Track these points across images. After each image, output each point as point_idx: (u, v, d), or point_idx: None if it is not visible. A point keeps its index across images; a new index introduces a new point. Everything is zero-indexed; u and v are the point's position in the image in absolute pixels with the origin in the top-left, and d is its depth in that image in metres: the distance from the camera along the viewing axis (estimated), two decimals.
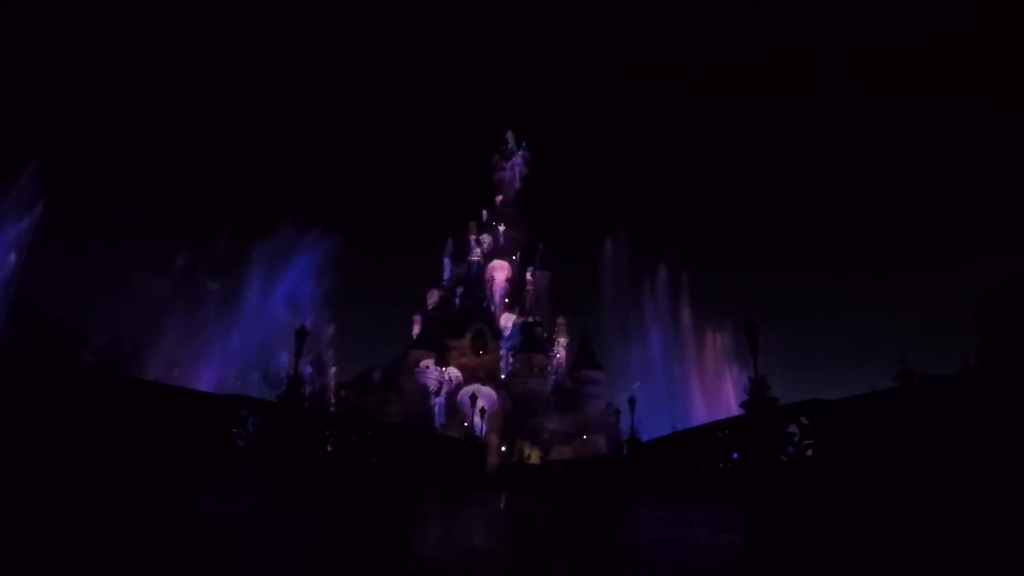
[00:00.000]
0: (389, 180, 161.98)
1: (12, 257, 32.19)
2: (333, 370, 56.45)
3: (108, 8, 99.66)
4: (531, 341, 56.91)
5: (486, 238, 66.41)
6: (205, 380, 38.68)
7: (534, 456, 47.15)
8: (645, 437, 27.80)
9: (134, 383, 15.56)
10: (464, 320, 59.97)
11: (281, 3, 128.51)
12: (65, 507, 5.55)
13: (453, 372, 56.28)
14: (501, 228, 66.25)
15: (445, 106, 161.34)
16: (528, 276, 64.57)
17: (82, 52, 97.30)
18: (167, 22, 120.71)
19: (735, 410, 18.13)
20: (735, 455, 14.51)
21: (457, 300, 62.99)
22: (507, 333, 59.28)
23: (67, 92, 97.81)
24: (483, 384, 52.74)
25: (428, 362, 56.90)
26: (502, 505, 11.16)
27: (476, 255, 65.87)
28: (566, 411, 51.75)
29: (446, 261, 67.76)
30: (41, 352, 29.91)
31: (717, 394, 41.91)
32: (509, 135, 73.39)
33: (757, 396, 14.04)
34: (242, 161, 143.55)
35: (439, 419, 53.32)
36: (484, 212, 69.27)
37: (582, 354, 58.45)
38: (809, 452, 11.77)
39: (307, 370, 46.63)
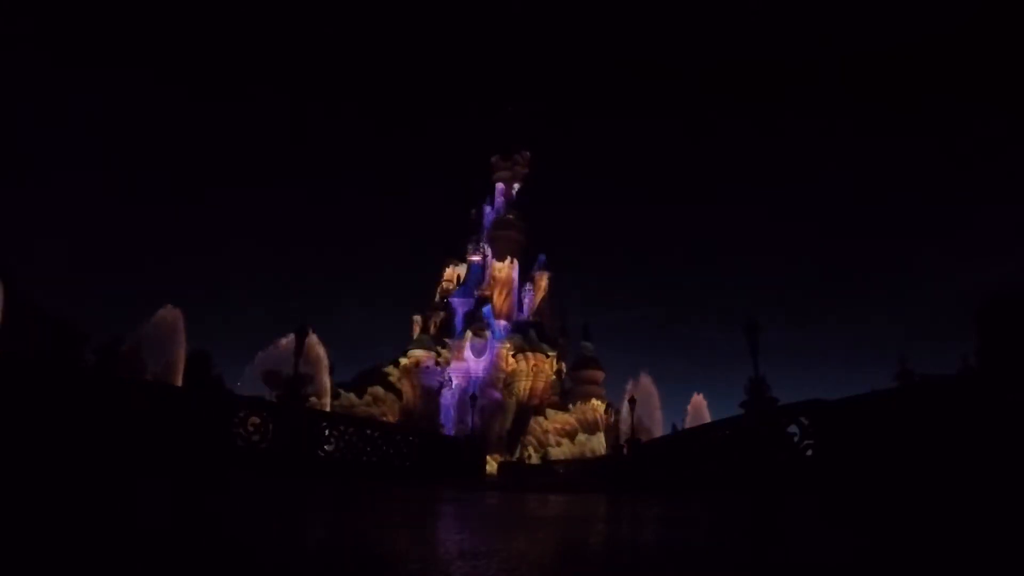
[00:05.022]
0: (389, 180, 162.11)
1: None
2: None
3: None
4: (531, 341, 56.95)
5: (486, 238, 66.43)
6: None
7: (534, 456, 47.15)
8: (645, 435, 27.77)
9: (133, 383, 15.55)
10: (464, 320, 60.03)
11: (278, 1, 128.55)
12: (63, 507, 5.55)
13: (453, 372, 56.30)
14: (501, 229, 66.22)
15: (446, 106, 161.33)
16: (528, 276, 64.61)
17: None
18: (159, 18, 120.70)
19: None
20: (735, 455, 14.50)
21: (458, 300, 63.04)
22: (507, 333, 59.30)
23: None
24: (483, 384, 52.76)
25: (428, 362, 56.93)
26: (502, 505, 11.15)
27: (476, 255, 65.92)
28: (566, 411, 51.76)
29: (446, 261, 67.80)
30: (41, 352, 29.90)
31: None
32: (508, 122, 73.61)
33: (757, 396, 14.05)
34: (242, 158, 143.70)
35: (439, 419, 53.32)
36: (485, 212, 69.32)
37: (582, 354, 58.48)
38: (809, 452, 11.76)
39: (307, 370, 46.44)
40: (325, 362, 41.56)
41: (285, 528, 5.46)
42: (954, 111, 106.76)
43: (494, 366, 56.06)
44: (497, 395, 53.10)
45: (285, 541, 4.35)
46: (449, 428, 49.53)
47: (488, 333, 57.95)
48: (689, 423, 37.92)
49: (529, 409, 52.35)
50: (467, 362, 56.51)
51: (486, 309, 60.31)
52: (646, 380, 40.86)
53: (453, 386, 54.94)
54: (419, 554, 4.14)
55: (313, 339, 41.00)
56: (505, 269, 63.93)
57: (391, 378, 56.50)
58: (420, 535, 5.70)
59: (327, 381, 42.59)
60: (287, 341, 34.72)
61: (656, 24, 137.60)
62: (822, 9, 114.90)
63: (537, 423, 50.36)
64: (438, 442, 26.04)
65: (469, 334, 57.88)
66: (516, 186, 70.50)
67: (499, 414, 51.95)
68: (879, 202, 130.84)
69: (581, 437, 48.39)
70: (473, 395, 37.37)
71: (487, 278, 63.83)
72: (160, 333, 32.78)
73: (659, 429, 39.19)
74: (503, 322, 60.54)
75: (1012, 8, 77.13)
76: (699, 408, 39.97)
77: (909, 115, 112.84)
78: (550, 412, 51.41)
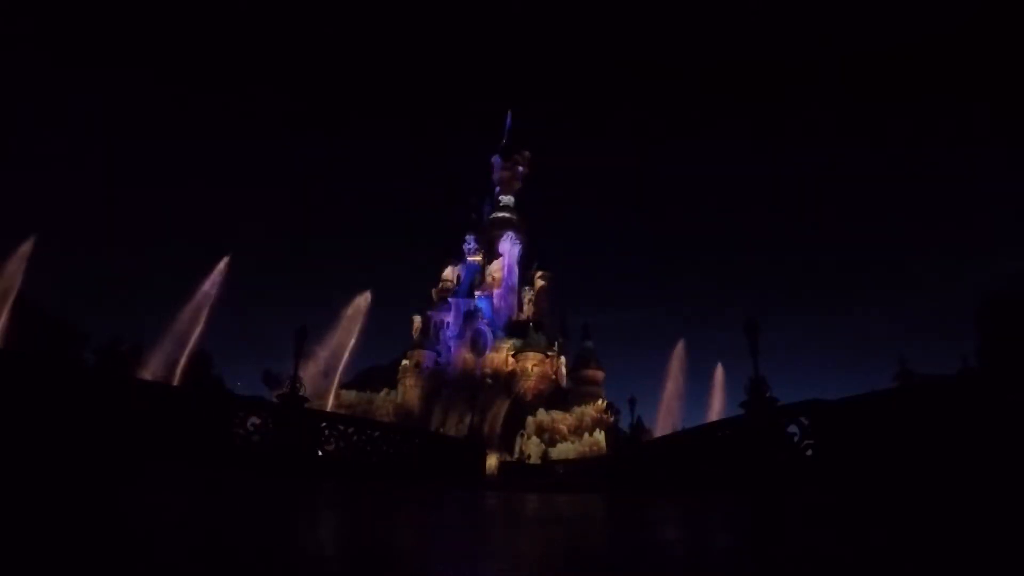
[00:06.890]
0: (389, 181, 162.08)
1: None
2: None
3: None
4: (531, 341, 56.85)
5: (485, 238, 66.32)
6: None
7: (534, 455, 47.09)
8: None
9: (133, 383, 15.55)
10: (464, 320, 59.94)
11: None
12: (64, 505, 5.55)
13: (452, 371, 56.23)
14: (501, 228, 66.14)
15: (446, 107, 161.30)
16: (528, 276, 64.51)
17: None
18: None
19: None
20: (735, 455, 14.48)
21: (457, 300, 62.93)
22: (506, 333, 59.19)
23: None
24: (483, 383, 52.70)
25: (428, 362, 56.87)
26: (502, 505, 11.16)
27: (475, 255, 65.80)
28: (566, 410, 51.68)
29: (446, 261, 67.68)
30: (41, 352, 29.90)
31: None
32: (507, 121, 73.70)
33: (757, 396, 14.00)
34: (242, 158, 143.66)
35: (439, 418, 53.26)
36: (484, 211, 69.24)
37: (582, 353, 58.39)
38: (809, 452, 11.74)
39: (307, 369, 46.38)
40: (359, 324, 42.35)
41: (285, 528, 5.46)
42: (954, 111, 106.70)
43: (494, 366, 56.00)
44: (497, 395, 53.02)
45: (285, 541, 4.34)
46: (449, 428, 49.46)
47: (488, 333, 57.88)
48: (714, 394, 42.18)
49: (529, 408, 52.26)
50: (467, 361, 56.44)
51: (485, 308, 60.21)
52: (680, 350, 45.57)
53: (453, 386, 54.88)
54: (420, 554, 4.14)
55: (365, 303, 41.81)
56: (504, 269, 63.82)
57: (391, 378, 56.48)
58: (420, 535, 5.70)
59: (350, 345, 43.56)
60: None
61: (656, 24, 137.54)
62: (822, 9, 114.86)
63: (537, 422, 50.28)
64: (438, 442, 26.00)
65: (469, 334, 57.81)
66: (517, 185, 70.39)
67: (499, 413, 51.89)
68: (879, 202, 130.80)
69: (581, 436, 48.33)
70: (473, 395, 37.35)
71: (486, 278, 63.71)
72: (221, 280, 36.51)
73: (678, 403, 42.61)
74: (503, 322, 60.45)
75: (1012, 8, 77.08)
76: (722, 380, 43.61)
77: (909, 115, 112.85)
78: (550, 411, 51.34)
